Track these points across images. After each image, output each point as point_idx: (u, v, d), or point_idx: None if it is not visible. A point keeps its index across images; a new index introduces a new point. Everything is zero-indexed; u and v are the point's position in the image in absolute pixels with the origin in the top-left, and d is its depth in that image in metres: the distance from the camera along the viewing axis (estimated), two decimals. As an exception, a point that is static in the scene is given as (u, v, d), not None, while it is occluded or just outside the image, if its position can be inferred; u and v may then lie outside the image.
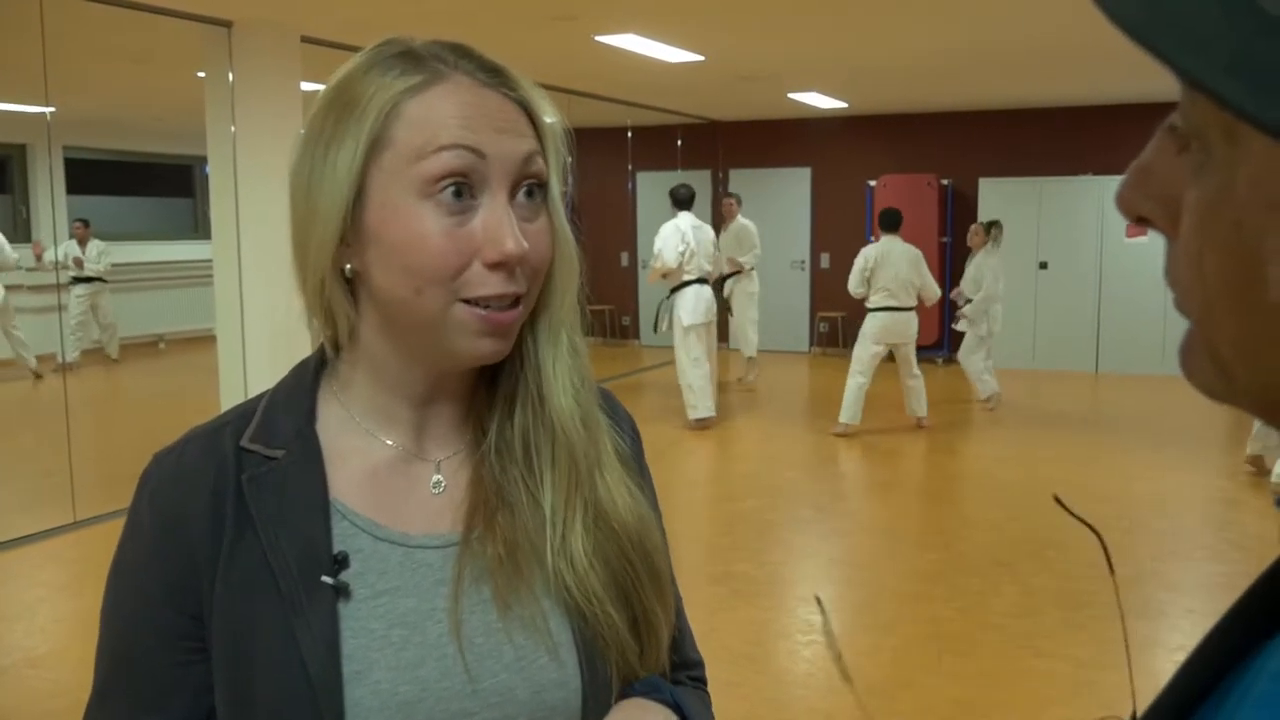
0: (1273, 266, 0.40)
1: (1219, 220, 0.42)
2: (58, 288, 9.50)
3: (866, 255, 7.94)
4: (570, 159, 0.90)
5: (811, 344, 12.51)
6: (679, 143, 12.51)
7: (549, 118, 0.88)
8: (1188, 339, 0.47)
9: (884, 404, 8.81)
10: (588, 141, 11.71)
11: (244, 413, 0.90)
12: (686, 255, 8.11)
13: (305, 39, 6.39)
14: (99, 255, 10.69)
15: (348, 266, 0.84)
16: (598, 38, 6.92)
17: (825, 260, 12.38)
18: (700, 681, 1.04)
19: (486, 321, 0.82)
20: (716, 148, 12.72)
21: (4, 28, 6.24)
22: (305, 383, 0.91)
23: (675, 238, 8.13)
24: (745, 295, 10.06)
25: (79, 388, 9.16)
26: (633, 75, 8.52)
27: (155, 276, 11.99)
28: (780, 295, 12.52)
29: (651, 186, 12.45)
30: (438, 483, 0.90)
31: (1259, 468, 6.54)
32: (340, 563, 0.84)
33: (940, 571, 5.02)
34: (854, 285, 7.99)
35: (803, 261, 12.51)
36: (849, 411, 7.98)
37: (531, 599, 0.87)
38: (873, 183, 11.69)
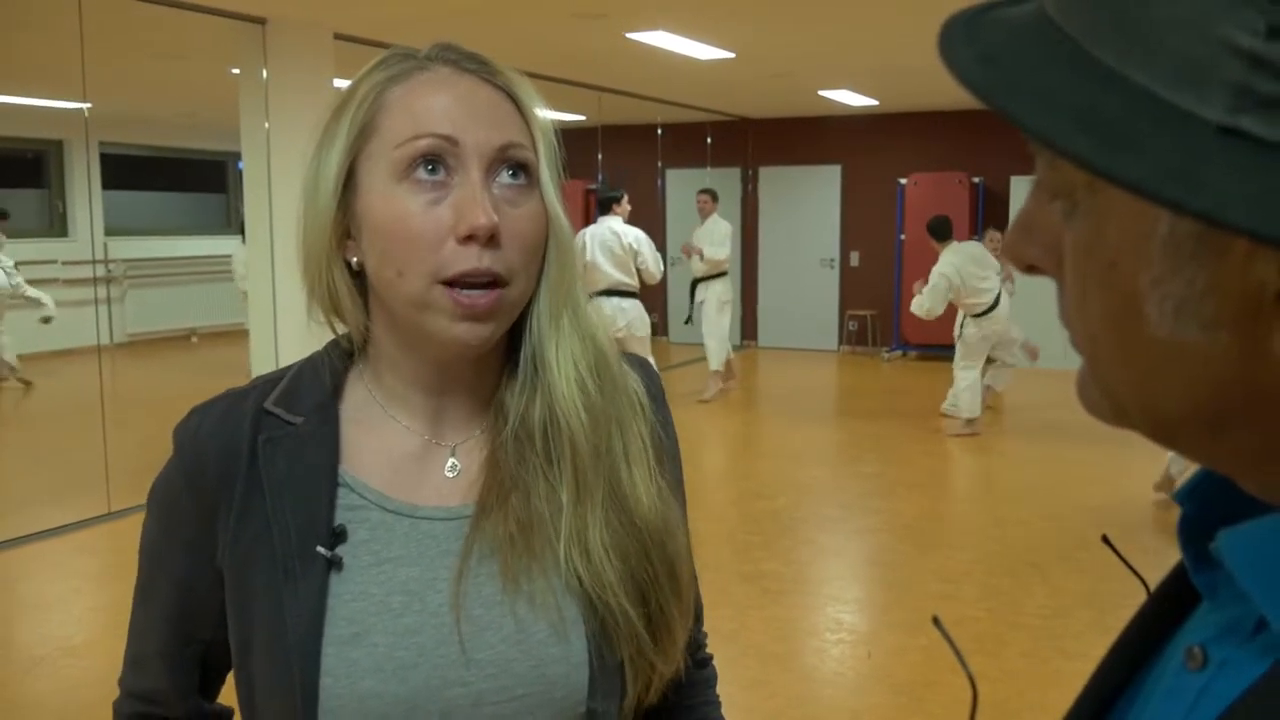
0: (1148, 302, 0.42)
1: (1094, 262, 0.44)
2: (94, 281, 9.61)
3: (948, 276, 7.36)
4: (560, 149, 0.91)
5: (840, 343, 12.46)
6: (709, 140, 12.48)
7: (536, 106, 0.89)
8: (1081, 374, 0.49)
9: (909, 400, 8.77)
10: (617, 139, 11.71)
11: (273, 378, 0.94)
12: (581, 267, 7.60)
13: (338, 36, 6.44)
14: None
15: (354, 260, 0.88)
16: (628, 35, 6.92)
17: (855, 259, 12.32)
18: (702, 653, 1.08)
19: (461, 304, 0.83)
20: (746, 145, 12.68)
21: (42, 25, 6.33)
22: (336, 361, 0.94)
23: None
24: (714, 301, 9.04)
25: (114, 380, 9.26)
26: (663, 72, 8.50)
27: (189, 271, 12.15)
28: (809, 293, 12.48)
29: (681, 184, 12.43)
30: (453, 466, 0.92)
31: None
32: (338, 535, 0.86)
33: (969, 571, 4.98)
34: (938, 308, 7.43)
35: (832, 260, 12.45)
36: (969, 405, 7.66)
37: (541, 577, 0.87)
38: (903, 181, 11.62)
